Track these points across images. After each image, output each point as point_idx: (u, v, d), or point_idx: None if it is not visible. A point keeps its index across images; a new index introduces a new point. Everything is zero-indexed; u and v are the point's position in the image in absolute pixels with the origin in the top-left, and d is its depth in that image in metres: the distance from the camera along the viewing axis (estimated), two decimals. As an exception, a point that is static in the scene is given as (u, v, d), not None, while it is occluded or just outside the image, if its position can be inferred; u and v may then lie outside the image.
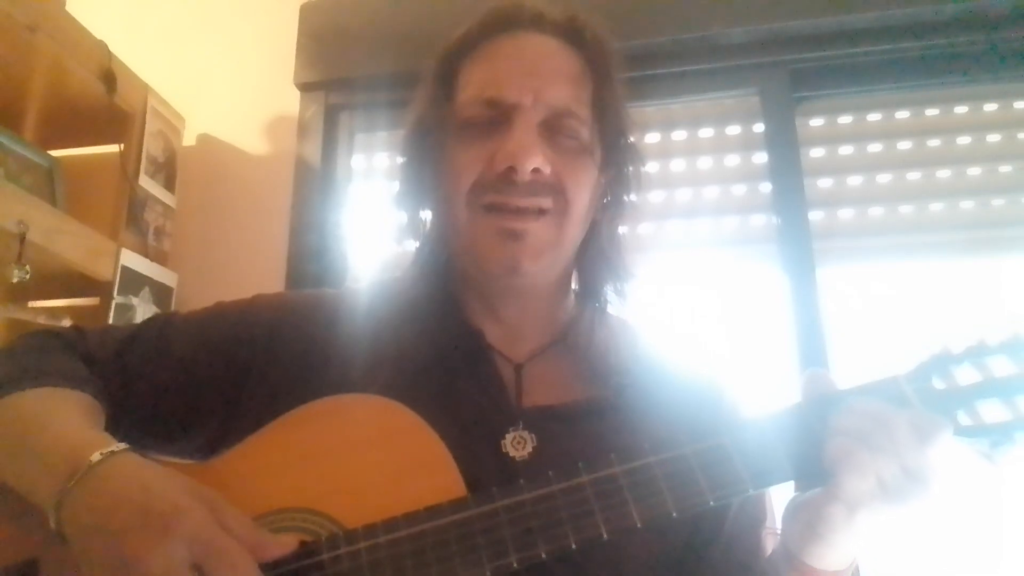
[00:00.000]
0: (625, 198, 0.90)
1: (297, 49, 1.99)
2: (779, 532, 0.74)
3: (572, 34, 0.87)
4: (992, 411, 0.69)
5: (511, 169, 0.79)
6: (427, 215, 0.92)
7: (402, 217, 0.93)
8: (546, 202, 0.82)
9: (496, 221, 0.81)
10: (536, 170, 0.80)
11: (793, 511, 0.72)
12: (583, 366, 0.87)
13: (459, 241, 0.86)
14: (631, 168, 0.90)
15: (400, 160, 0.94)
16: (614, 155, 0.88)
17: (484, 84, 0.83)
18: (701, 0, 1.80)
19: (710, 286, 1.75)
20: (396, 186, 0.94)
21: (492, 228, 0.81)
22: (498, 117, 0.82)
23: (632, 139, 0.90)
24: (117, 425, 0.82)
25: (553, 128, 0.82)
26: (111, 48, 1.75)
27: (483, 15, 0.88)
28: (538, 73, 0.83)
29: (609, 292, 0.91)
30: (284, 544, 0.67)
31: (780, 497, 0.76)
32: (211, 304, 0.93)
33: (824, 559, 0.70)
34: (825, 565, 0.70)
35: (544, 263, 0.84)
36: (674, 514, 0.67)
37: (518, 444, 0.79)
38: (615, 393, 0.84)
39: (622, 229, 0.91)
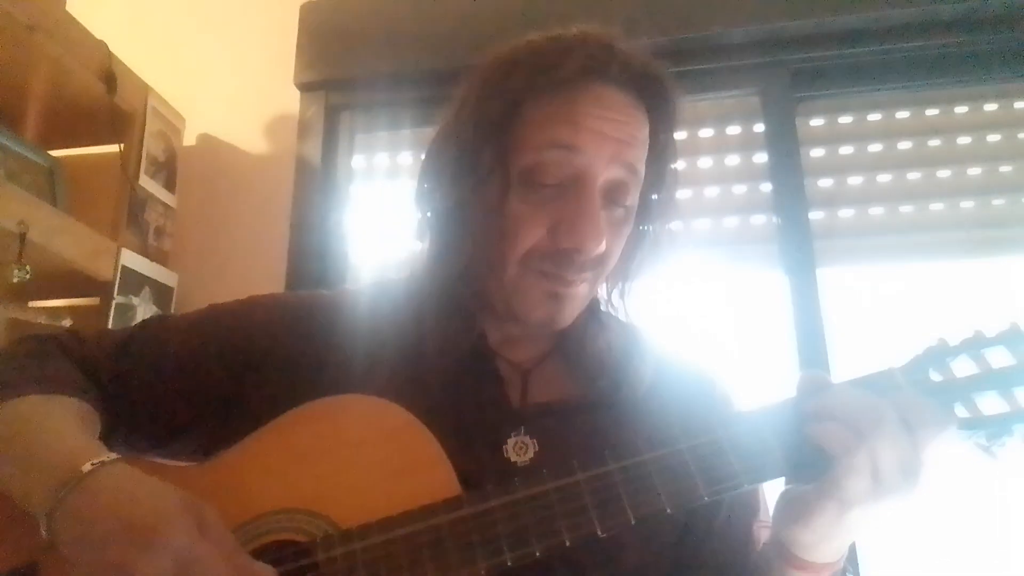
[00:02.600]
0: (648, 227, 0.90)
1: (297, 49, 1.99)
2: (771, 524, 0.74)
3: (650, 90, 0.83)
4: (990, 403, 0.68)
5: (575, 250, 0.79)
6: (442, 217, 0.87)
7: (416, 215, 0.91)
8: (591, 275, 0.83)
9: (545, 285, 0.81)
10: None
11: (786, 504, 0.71)
12: (583, 366, 0.87)
13: (498, 287, 0.84)
14: (664, 203, 0.90)
15: (428, 159, 0.89)
16: (650, 208, 0.88)
17: (560, 129, 0.78)
18: (701, 0, 1.81)
19: (710, 286, 1.75)
20: (418, 184, 0.90)
21: (539, 290, 0.82)
22: (566, 177, 0.79)
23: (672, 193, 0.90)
24: (114, 430, 0.82)
25: (610, 196, 0.81)
26: (111, 48, 1.75)
27: (570, 53, 0.79)
28: (617, 137, 0.79)
29: (612, 297, 0.92)
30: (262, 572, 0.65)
31: (773, 490, 0.76)
32: (205, 306, 0.93)
33: (816, 551, 0.70)
34: (817, 557, 0.70)
35: (577, 314, 0.86)
36: (668, 510, 0.67)
37: (520, 449, 0.79)
38: (615, 391, 0.84)
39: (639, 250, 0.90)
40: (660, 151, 0.86)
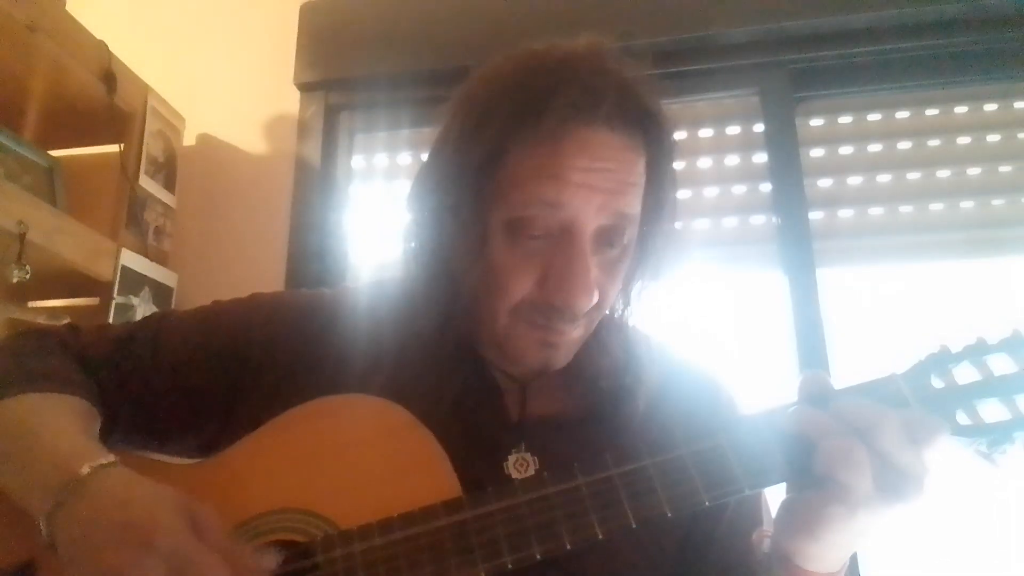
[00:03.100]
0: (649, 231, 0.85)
1: (297, 49, 1.99)
2: (774, 535, 0.73)
3: (644, 123, 0.77)
4: (991, 410, 0.68)
5: (566, 307, 0.75)
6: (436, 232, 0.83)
7: (408, 222, 0.87)
8: (585, 320, 0.79)
9: (537, 335, 0.78)
10: None
11: (790, 513, 0.70)
12: (583, 377, 0.85)
13: (490, 332, 0.81)
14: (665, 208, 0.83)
15: (416, 185, 0.85)
16: (651, 239, 0.83)
17: (545, 185, 0.73)
18: (701, 0, 1.81)
19: (710, 286, 1.75)
20: (410, 191, 0.85)
21: (532, 339, 0.78)
22: (553, 229, 0.74)
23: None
24: (113, 426, 0.82)
25: (603, 239, 0.76)
26: (111, 48, 1.75)
27: (556, 93, 0.72)
28: (607, 187, 0.73)
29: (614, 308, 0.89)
30: (263, 564, 0.66)
31: (775, 498, 0.75)
32: (207, 303, 0.92)
33: (820, 562, 0.69)
34: (820, 568, 0.69)
35: (573, 354, 0.82)
36: (669, 514, 0.66)
37: (521, 466, 0.79)
38: (617, 402, 0.83)
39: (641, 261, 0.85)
40: (660, 171, 0.80)
